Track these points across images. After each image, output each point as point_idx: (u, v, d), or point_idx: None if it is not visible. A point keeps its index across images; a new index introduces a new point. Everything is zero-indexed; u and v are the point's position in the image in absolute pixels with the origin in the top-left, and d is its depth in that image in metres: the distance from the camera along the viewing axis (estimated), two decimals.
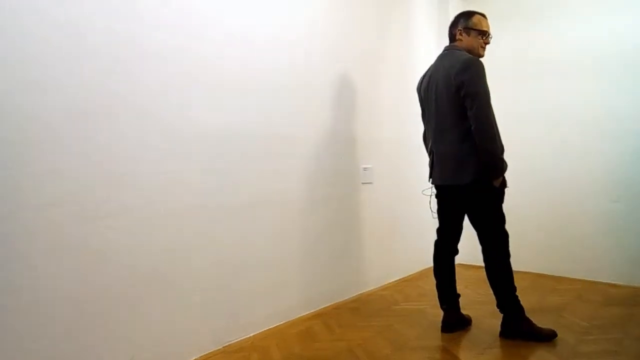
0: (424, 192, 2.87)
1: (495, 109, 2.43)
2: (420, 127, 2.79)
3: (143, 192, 2.05)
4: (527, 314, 2.42)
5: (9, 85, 1.65)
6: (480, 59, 2.41)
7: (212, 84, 2.35)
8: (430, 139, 2.58)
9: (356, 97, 3.35)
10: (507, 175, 2.40)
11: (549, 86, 3.83)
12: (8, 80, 1.65)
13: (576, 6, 3.70)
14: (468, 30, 2.50)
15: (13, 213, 1.66)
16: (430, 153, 2.59)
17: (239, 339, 2.46)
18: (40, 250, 1.72)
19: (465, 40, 2.51)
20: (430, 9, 4.35)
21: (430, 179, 2.64)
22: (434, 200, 2.69)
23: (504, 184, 2.39)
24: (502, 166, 2.31)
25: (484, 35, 2.52)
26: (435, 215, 2.70)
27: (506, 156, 2.40)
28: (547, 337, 2.36)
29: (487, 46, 2.56)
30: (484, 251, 2.44)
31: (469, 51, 2.48)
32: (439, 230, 2.67)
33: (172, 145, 2.17)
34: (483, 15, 2.54)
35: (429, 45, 4.21)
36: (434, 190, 2.67)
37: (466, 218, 2.54)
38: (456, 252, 2.65)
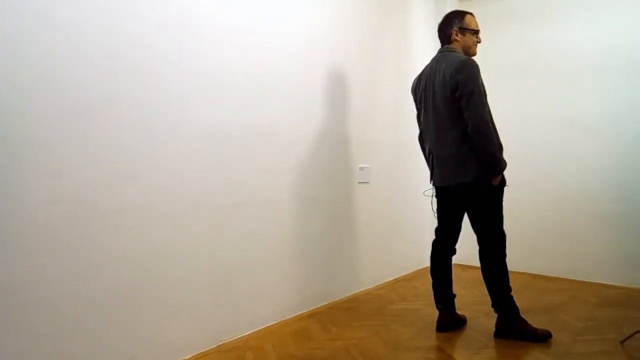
0: (425, 194, 2.87)
1: (494, 110, 2.43)
2: (417, 128, 2.79)
3: (142, 191, 2.05)
4: (522, 314, 2.42)
5: (9, 85, 1.64)
6: (475, 59, 2.42)
7: (210, 83, 2.34)
8: (429, 141, 2.57)
9: (353, 96, 3.35)
10: (505, 174, 2.41)
11: (547, 87, 3.83)
12: (8, 80, 1.64)
13: (576, 7, 3.70)
14: (463, 30, 2.52)
15: (13, 212, 1.65)
16: (429, 154, 2.59)
17: (234, 338, 2.45)
18: (40, 249, 1.72)
19: (461, 40, 2.52)
20: (427, 9, 4.35)
21: (432, 181, 2.64)
22: (435, 201, 2.70)
23: (503, 182, 2.40)
24: (500, 164, 2.32)
25: (477, 33, 2.55)
26: (437, 215, 2.70)
27: (504, 156, 2.40)
28: (541, 337, 2.36)
29: (488, 48, 2.58)
30: (480, 250, 2.45)
31: (465, 50, 2.50)
32: (437, 230, 2.67)
33: (171, 144, 2.16)
34: (472, 14, 2.57)
35: (426, 46, 4.20)
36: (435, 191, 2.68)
37: (465, 218, 2.54)
38: (454, 252, 2.66)
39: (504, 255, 2.41)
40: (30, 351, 1.69)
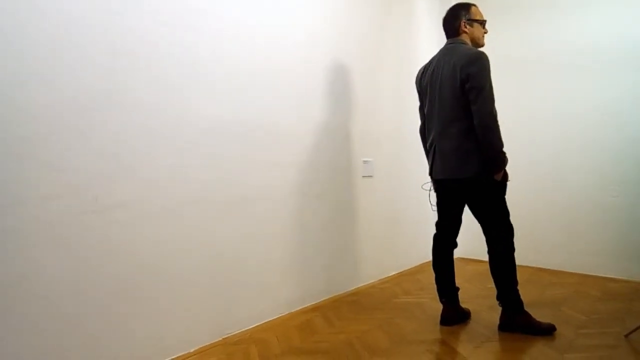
0: (423, 187, 2.86)
1: (495, 105, 2.42)
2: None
3: (142, 186, 2.05)
4: (526, 308, 2.42)
5: (7, 81, 1.64)
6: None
7: (210, 79, 2.34)
8: (432, 133, 2.55)
9: (356, 89, 3.34)
10: (507, 169, 2.40)
11: (548, 81, 3.82)
12: (6, 75, 1.64)
13: (576, 2, 3.68)
14: (471, 22, 2.51)
15: (12, 207, 1.65)
16: (431, 146, 2.57)
17: (239, 332, 2.47)
18: (40, 244, 1.72)
19: (470, 31, 2.51)
20: (431, 2, 4.33)
21: (432, 173, 2.61)
22: (434, 194, 2.69)
23: (505, 177, 2.39)
24: (504, 161, 2.31)
25: (484, 24, 2.55)
26: (435, 208, 2.70)
27: (506, 151, 2.40)
28: (545, 331, 2.36)
29: (487, 42, 2.58)
30: (488, 243, 2.44)
31: (474, 42, 2.51)
32: (438, 224, 2.67)
33: (171, 140, 2.16)
34: (476, 6, 2.58)
35: (430, 38, 4.19)
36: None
37: (468, 213, 2.53)
38: (455, 245, 2.65)
39: (511, 249, 2.40)
40: (30, 345, 1.70)
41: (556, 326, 2.40)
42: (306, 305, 2.91)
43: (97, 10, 1.89)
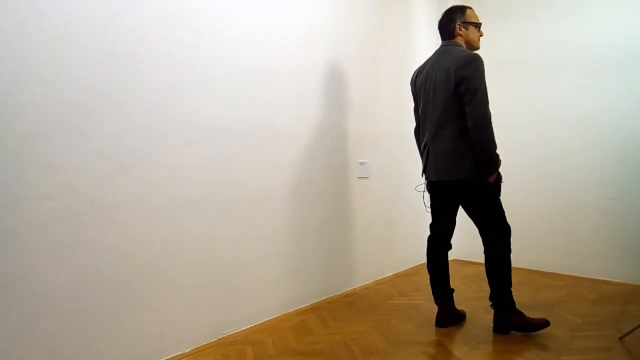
0: (417, 189, 2.87)
1: (493, 106, 2.43)
2: None
3: (142, 186, 2.05)
4: (520, 310, 2.43)
5: (6, 81, 1.64)
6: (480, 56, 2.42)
7: (211, 78, 2.34)
8: (426, 134, 2.56)
9: (353, 91, 3.35)
10: (502, 171, 2.41)
11: (546, 83, 3.83)
12: (6, 75, 1.64)
13: (574, 3, 3.69)
14: (466, 24, 2.51)
15: (12, 207, 1.65)
16: (425, 148, 2.59)
17: (234, 332, 2.47)
18: (37, 243, 1.72)
19: (465, 34, 2.52)
20: (429, 2, 4.34)
21: (424, 175, 2.63)
22: (427, 195, 2.70)
23: (499, 178, 2.40)
24: (497, 163, 2.32)
25: (479, 26, 2.56)
26: (429, 209, 2.71)
27: (501, 153, 2.41)
28: (539, 326, 2.37)
29: (486, 44, 2.58)
30: (485, 244, 2.44)
31: (469, 44, 2.51)
32: (432, 226, 2.68)
33: (171, 140, 2.17)
34: (471, 8, 2.58)
35: (428, 39, 4.19)
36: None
37: (463, 214, 2.54)
38: (449, 247, 2.66)
39: (506, 250, 2.40)
40: (27, 345, 1.69)
41: (551, 329, 2.41)
42: (302, 306, 2.91)
43: (97, 10, 1.88)
